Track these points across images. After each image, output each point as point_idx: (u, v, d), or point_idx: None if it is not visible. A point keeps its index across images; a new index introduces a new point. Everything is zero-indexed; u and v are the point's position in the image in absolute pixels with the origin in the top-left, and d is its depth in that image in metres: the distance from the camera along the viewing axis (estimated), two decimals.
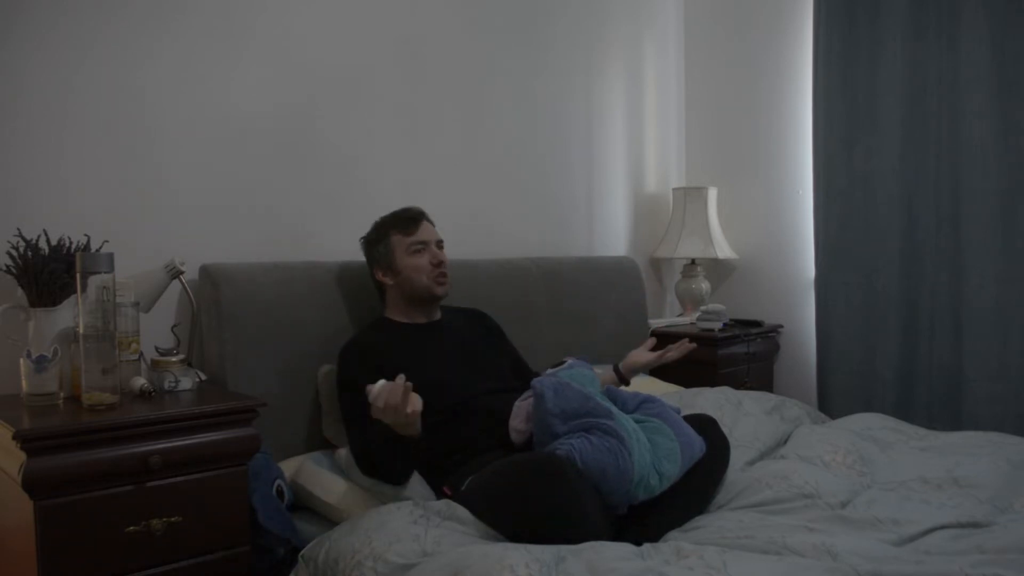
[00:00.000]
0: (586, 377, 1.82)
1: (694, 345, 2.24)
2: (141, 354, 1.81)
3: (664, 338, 3.09)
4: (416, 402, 1.63)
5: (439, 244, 2.11)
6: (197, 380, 1.85)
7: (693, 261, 3.35)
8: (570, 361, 1.91)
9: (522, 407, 1.79)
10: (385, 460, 1.76)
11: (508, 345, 2.26)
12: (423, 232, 2.08)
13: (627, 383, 2.24)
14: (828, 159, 3.03)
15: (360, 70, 2.44)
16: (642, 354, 2.23)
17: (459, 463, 1.81)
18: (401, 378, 1.60)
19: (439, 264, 2.06)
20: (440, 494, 1.79)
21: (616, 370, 2.25)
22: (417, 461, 1.80)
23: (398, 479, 1.81)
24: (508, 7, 2.86)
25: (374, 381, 1.68)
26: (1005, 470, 1.81)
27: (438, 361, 1.98)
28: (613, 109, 3.26)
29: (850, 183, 3.00)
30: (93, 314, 1.56)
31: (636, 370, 2.24)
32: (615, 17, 3.26)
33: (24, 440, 1.41)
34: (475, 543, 1.46)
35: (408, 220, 2.09)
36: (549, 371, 1.82)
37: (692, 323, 3.22)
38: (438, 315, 2.15)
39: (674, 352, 2.21)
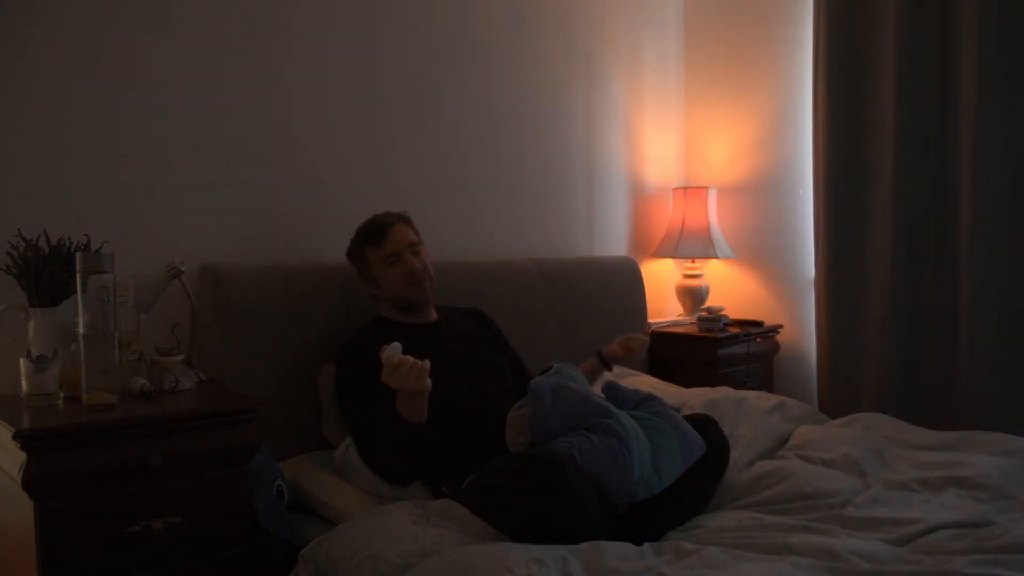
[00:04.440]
0: (575, 380, 1.82)
1: (645, 338, 2.31)
2: (141, 354, 1.81)
3: (664, 338, 3.12)
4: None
5: (413, 247, 2.07)
6: (197, 380, 1.85)
7: (693, 261, 3.35)
8: (556, 366, 1.91)
9: (516, 418, 1.78)
10: (392, 452, 1.78)
11: (506, 345, 2.26)
12: (392, 241, 2.05)
13: (610, 368, 2.27)
14: (828, 159, 3.03)
15: (360, 70, 2.44)
16: (615, 348, 2.26)
17: (458, 463, 1.81)
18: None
19: (411, 272, 2.04)
20: (439, 494, 1.79)
21: (600, 357, 2.26)
22: (423, 456, 1.81)
23: (403, 475, 1.83)
24: (508, 8, 2.87)
25: (375, 380, 1.69)
26: (1005, 470, 1.81)
27: (437, 361, 1.98)
28: (613, 109, 3.26)
29: (850, 183, 3.00)
30: (93, 314, 1.56)
31: (617, 358, 2.27)
32: (615, 17, 3.26)
33: (24, 440, 1.41)
34: (475, 543, 1.46)
35: (376, 233, 2.07)
36: (538, 378, 1.81)
37: (692, 323, 3.22)
38: (435, 315, 2.15)
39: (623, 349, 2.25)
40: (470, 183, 2.75)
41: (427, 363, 1.69)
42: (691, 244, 3.27)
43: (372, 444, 1.84)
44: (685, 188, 3.37)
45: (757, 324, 3.21)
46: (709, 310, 3.15)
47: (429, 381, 1.71)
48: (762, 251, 3.40)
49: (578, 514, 1.48)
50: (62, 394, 1.65)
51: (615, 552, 1.39)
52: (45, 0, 1.88)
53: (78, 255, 1.58)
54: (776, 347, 3.30)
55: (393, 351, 1.68)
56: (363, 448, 1.86)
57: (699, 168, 3.57)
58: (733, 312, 3.30)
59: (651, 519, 1.64)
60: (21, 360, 1.64)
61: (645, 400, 1.81)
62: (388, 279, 2.05)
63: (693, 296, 3.33)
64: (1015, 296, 2.67)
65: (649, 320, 3.17)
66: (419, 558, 1.42)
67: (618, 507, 1.60)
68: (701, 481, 1.77)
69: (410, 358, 1.68)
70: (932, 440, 2.09)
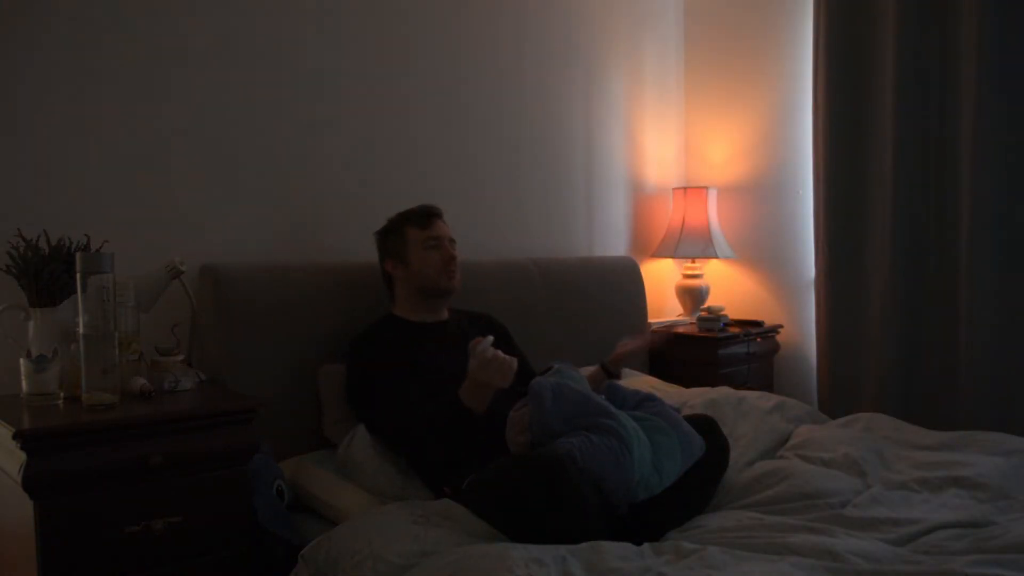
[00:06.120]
0: (575, 380, 1.82)
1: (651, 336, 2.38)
2: (141, 354, 1.81)
3: (664, 338, 3.12)
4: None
5: (451, 242, 2.15)
6: (197, 380, 1.85)
7: (693, 261, 3.35)
8: (557, 366, 1.91)
9: (517, 418, 1.78)
10: (441, 431, 1.81)
11: (514, 348, 2.27)
12: (437, 229, 2.13)
13: (617, 376, 2.22)
14: (828, 159, 3.03)
15: (359, 71, 2.44)
16: (625, 344, 2.23)
17: (460, 463, 1.81)
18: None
19: (450, 260, 2.11)
20: (440, 494, 1.79)
21: (603, 366, 2.22)
22: (471, 438, 1.82)
23: (442, 454, 1.84)
24: (508, 7, 2.87)
25: (391, 368, 1.80)
26: (1005, 470, 1.81)
27: (444, 361, 1.99)
28: (613, 109, 3.26)
29: (850, 183, 3.00)
30: (93, 314, 1.56)
31: (622, 361, 2.22)
32: (615, 17, 3.26)
33: (24, 440, 1.41)
34: (475, 543, 1.46)
35: (424, 216, 2.14)
36: (538, 378, 1.82)
37: (692, 323, 3.22)
38: (445, 315, 2.16)
39: (635, 343, 2.23)
40: (470, 183, 2.75)
41: (515, 361, 1.75)
42: (691, 244, 3.27)
43: (414, 429, 1.84)
44: (685, 188, 3.37)
45: (757, 324, 3.21)
46: (709, 310, 3.15)
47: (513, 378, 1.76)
48: (762, 251, 3.40)
49: (578, 514, 1.48)
50: (62, 394, 1.65)
51: (615, 552, 1.39)
52: (45, 4, 1.88)
53: (78, 255, 1.58)
54: (776, 347, 3.30)
55: (486, 345, 1.73)
56: (401, 434, 1.87)
57: (699, 168, 3.57)
58: (733, 312, 3.30)
59: (651, 519, 1.64)
60: (21, 360, 1.64)
61: (645, 400, 1.81)
62: (425, 261, 2.09)
63: (693, 296, 3.33)
64: (1015, 296, 2.67)
65: (649, 320, 3.16)
66: (419, 558, 1.42)
67: (618, 507, 1.60)
68: (701, 481, 1.77)
69: (501, 353, 1.73)
70: (932, 440, 2.09)
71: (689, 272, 3.36)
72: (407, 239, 2.11)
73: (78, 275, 1.57)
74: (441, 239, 2.12)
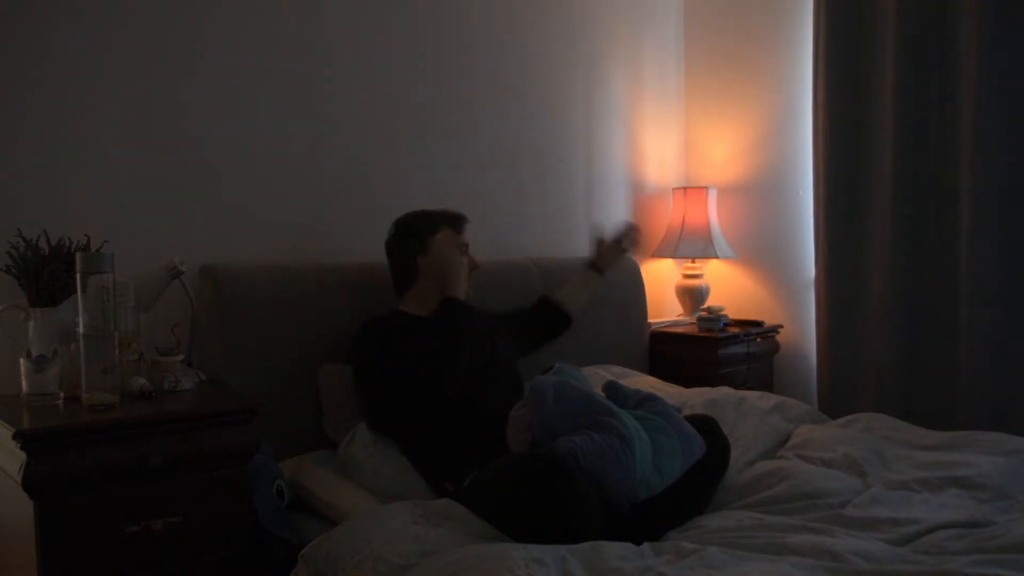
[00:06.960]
0: (577, 379, 1.82)
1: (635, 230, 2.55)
2: (141, 354, 1.81)
3: (664, 338, 3.12)
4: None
5: None
6: (197, 380, 1.85)
7: (693, 261, 3.35)
8: (559, 365, 1.91)
9: (518, 416, 1.78)
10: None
11: (499, 322, 2.28)
12: (466, 235, 2.19)
13: (602, 273, 2.52)
14: (828, 159, 3.03)
15: (361, 71, 2.44)
16: (604, 251, 2.52)
17: (462, 460, 1.81)
18: None
19: (475, 268, 2.19)
20: (441, 492, 1.79)
21: (592, 265, 2.51)
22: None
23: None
24: (507, 6, 2.87)
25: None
26: (1005, 470, 1.81)
27: (445, 357, 1.99)
28: (613, 109, 3.26)
29: (850, 183, 3.00)
30: (93, 314, 1.56)
31: (608, 261, 2.53)
32: (615, 17, 3.26)
33: (24, 440, 1.41)
34: (475, 543, 1.46)
35: (459, 219, 2.19)
36: (540, 377, 1.82)
37: (692, 323, 3.22)
38: None
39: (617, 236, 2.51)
40: (471, 183, 2.75)
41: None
42: (691, 244, 3.27)
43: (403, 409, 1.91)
44: (685, 188, 3.37)
45: (757, 324, 3.21)
46: (709, 310, 3.15)
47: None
48: (762, 251, 3.40)
49: (579, 514, 1.48)
50: (62, 394, 1.65)
51: (615, 552, 1.39)
52: (46, 5, 1.88)
53: (78, 255, 1.58)
54: (776, 347, 3.30)
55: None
56: (407, 424, 1.93)
57: (699, 168, 3.57)
58: (733, 312, 3.30)
59: (651, 519, 1.64)
60: (21, 360, 1.64)
61: (646, 400, 1.81)
62: (458, 263, 2.13)
63: (693, 296, 3.33)
64: (1014, 296, 2.67)
65: (649, 320, 3.16)
66: (419, 558, 1.42)
67: (619, 507, 1.60)
68: (701, 481, 1.77)
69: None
70: (932, 440, 2.09)
71: (689, 272, 3.36)
72: (446, 238, 2.14)
73: (78, 275, 1.57)
74: (468, 246, 2.18)
